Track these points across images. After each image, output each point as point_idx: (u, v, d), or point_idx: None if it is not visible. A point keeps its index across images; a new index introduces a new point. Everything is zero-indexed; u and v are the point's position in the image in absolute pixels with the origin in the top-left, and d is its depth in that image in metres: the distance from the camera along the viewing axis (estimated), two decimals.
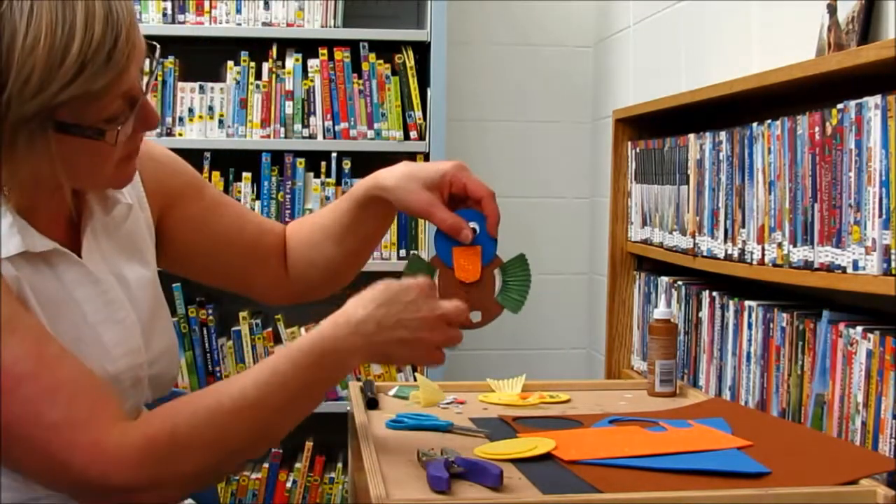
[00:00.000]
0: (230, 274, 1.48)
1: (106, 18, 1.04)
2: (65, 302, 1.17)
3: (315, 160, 2.93)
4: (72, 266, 1.19)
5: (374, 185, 1.39)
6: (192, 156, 2.79)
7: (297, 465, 2.96)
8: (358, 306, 1.21)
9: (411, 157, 2.99)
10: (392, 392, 1.78)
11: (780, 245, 1.66)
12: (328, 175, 2.92)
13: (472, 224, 1.33)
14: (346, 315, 1.21)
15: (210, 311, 2.90)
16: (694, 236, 2.03)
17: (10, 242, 1.10)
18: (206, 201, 1.43)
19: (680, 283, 2.14)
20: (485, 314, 1.35)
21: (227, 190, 2.88)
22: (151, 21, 2.87)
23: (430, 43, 2.88)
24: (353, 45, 2.91)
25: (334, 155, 2.92)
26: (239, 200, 2.88)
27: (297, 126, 2.90)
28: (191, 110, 2.88)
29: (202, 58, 3.03)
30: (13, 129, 1.03)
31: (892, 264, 1.38)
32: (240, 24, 2.89)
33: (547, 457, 1.37)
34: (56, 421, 1.07)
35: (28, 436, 1.07)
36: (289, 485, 2.95)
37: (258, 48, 2.92)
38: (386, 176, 1.37)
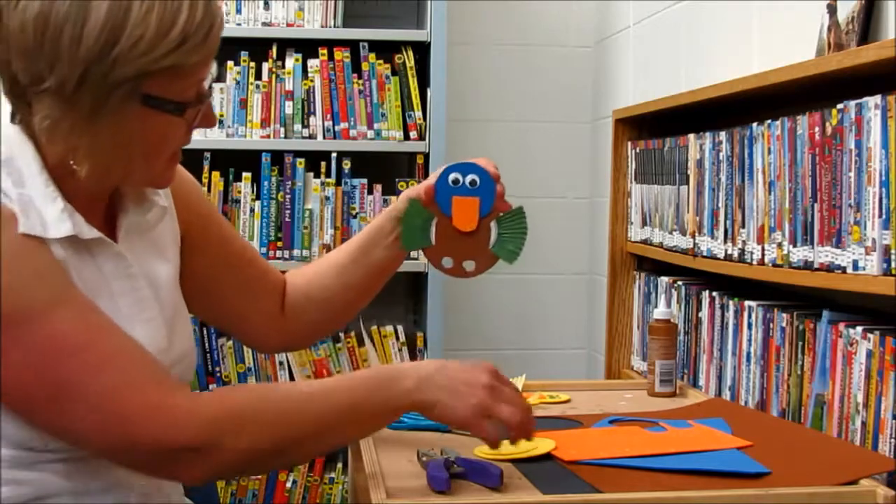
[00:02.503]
0: (230, 308, 1.48)
1: (206, 6, 1.13)
2: (102, 292, 1.19)
3: (315, 160, 2.93)
4: (111, 258, 1.21)
5: (390, 206, 1.47)
6: (192, 156, 2.79)
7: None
8: (431, 382, 1.26)
9: (411, 157, 3.00)
10: None
11: (780, 245, 1.66)
12: (328, 175, 2.92)
13: (473, 176, 1.37)
14: (412, 365, 1.28)
15: None
16: (694, 236, 2.03)
17: (63, 225, 1.14)
18: (223, 231, 1.46)
19: (680, 283, 2.14)
20: (478, 264, 1.39)
21: (226, 190, 2.88)
22: None
23: (430, 43, 2.88)
24: (353, 45, 2.91)
25: (334, 155, 2.91)
26: (239, 201, 2.88)
27: (297, 126, 2.90)
28: None
29: None
30: (107, 93, 1.09)
31: (892, 264, 1.38)
32: (240, 24, 2.89)
33: (547, 457, 1.37)
34: (117, 384, 1.11)
35: (88, 401, 1.10)
36: (289, 485, 2.95)
37: (258, 48, 2.92)
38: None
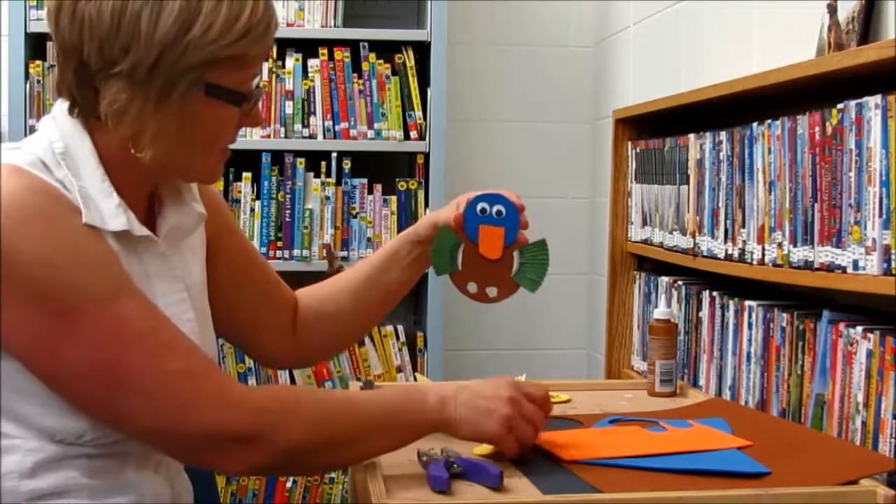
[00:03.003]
0: (244, 321, 1.50)
1: (266, 5, 1.21)
2: (146, 289, 1.21)
3: (315, 160, 2.93)
4: (156, 258, 1.25)
5: (409, 228, 1.52)
6: None
7: None
8: (458, 400, 1.32)
9: (411, 156, 2.99)
10: None
11: (780, 245, 1.66)
12: (328, 175, 2.92)
13: (499, 206, 1.43)
14: (433, 386, 1.35)
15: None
16: (694, 236, 2.03)
17: (118, 220, 1.18)
18: (243, 246, 1.49)
19: (680, 283, 2.14)
20: (500, 290, 1.45)
21: (227, 190, 2.88)
22: None
23: (430, 43, 2.88)
24: (353, 45, 2.91)
25: (334, 155, 2.91)
26: (239, 201, 2.88)
27: (297, 126, 2.90)
28: None
29: None
30: (176, 79, 1.15)
31: (892, 264, 1.38)
32: None
33: (547, 456, 1.37)
34: (177, 371, 1.16)
35: (147, 387, 1.14)
36: (289, 485, 2.95)
37: None
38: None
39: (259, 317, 1.50)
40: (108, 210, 1.17)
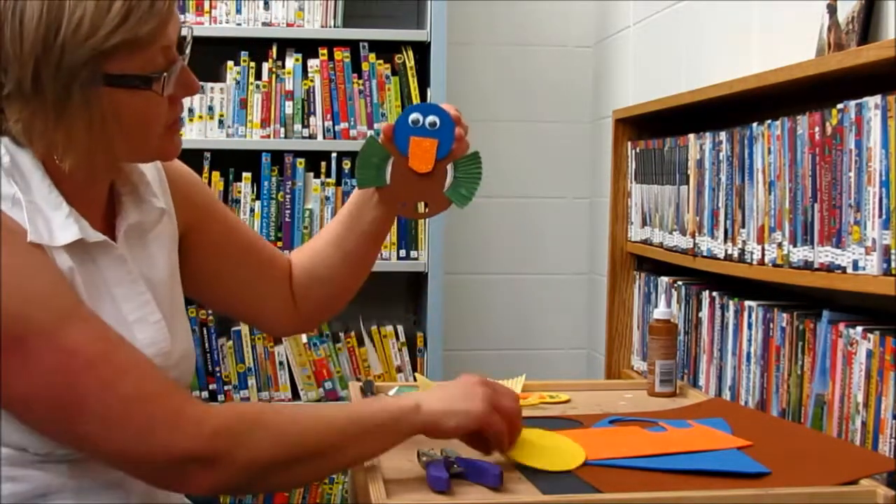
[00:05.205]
0: (243, 298, 1.49)
1: None
2: (105, 297, 1.19)
3: (315, 160, 2.93)
4: (113, 262, 1.21)
5: None
6: (192, 156, 2.79)
7: None
8: (431, 397, 1.28)
9: None
10: (392, 392, 1.78)
11: (780, 245, 1.66)
12: (328, 175, 2.92)
13: (433, 117, 1.35)
14: (419, 398, 1.27)
15: (210, 311, 2.90)
16: (694, 236, 2.03)
17: (69, 231, 1.14)
18: (228, 222, 1.46)
19: (680, 283, 2.14)
20: (431, 206, 1.38)
21: (227, 190, 2.88)
22: None
23: (430, 43, 2.88)
24: (353, 45, 2.91)
25: (334, 155, 2.91)
26: (239, 201, 2.88)
27: (297, 126, 2.90)
28: (190, 110, 2.88)
29: (202, 58, 3.00)
30: (67, 83, 1.09)
31: (892, 264, 1.38)
32: (240, 24, 2.89)
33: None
34: (130, 396, 1.12)
35: (102, 414, 1.11)
36: None
37: (258, 48, 2.92)
38: None
39: (257, 291, 1.48)
40: (57, 222, 1.14)
